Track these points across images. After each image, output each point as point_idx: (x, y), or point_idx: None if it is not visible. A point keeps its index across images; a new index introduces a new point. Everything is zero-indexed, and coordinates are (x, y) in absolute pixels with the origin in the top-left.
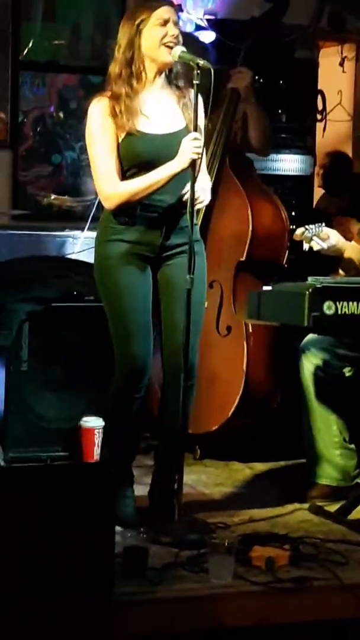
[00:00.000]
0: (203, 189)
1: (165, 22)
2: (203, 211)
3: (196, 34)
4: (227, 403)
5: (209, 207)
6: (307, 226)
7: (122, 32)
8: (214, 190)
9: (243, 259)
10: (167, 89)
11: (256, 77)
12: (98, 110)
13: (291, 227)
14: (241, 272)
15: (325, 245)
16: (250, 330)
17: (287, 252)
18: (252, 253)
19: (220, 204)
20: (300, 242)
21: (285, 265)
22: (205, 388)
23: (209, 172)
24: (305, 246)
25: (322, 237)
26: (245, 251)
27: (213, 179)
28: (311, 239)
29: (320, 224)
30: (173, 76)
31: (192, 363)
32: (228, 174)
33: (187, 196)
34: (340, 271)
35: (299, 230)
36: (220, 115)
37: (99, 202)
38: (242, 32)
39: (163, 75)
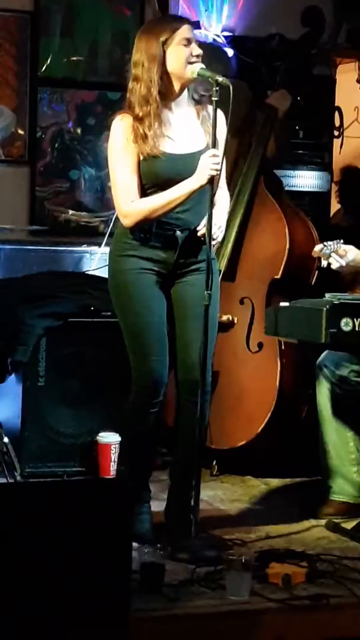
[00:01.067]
0: (219, 225)
1: (189, 42)
2: (236, 229)
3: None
4: (256, 420)
5: (243, 224)
6: (325, 243)
7: (144, 52)
8: (249, 209)
9: (278, 276)
10: (188, 104)
11: (297, 98)
12: (121, 128)
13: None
14: (273, 290)
15: (343, 263)
16: (283, 348)
17: (316, 272)
18: (287, 271)
19: (255, 221)
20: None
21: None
22: (232, 404)
23: (242, 191)
24: (324, 263)
25: (340, 254)
26: (282, 269)
27: (248, 196)
28: (329, 256)
29: (338, 240)
30: (192, 90)
31: (207, 380)
32: (263, 192)
33: (202, 231)
34: (358, 289)
35: (318, 247)
36: (254, 134)
37: (116, 218)
38: (277, 53)
39: (185, 92)
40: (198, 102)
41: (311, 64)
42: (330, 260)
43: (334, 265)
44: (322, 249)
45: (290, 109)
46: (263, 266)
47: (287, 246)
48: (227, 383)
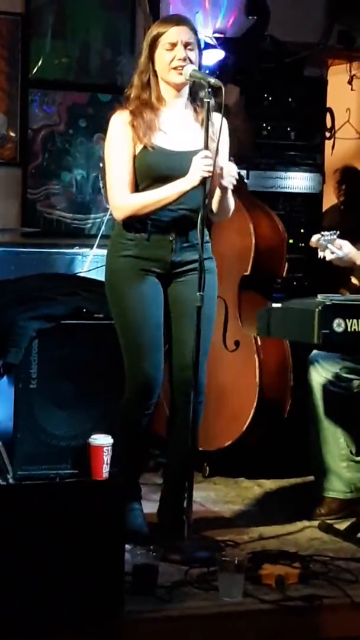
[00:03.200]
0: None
1: (173, 46)
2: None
3: (206, 52)
4: (240, 417)
5: (208, 225)
6: (322, 233)
7: (142, 52)
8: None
9: (247, 273)
10: (189, 107)
11: (264, 95)
12: (118, 121)
13: (300, 244)
14: (244, 287)
15: (340, 254)
16: (260, 343)
17: (286, 264)
18: (256, 267)
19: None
20: (302, 260)
21: (295, 283)
22: (215, 404)
23: None
24: (320, 254)
25: (335, 246)
26: (250, 265)
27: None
28: (326, 247)
29: (334, 232)
30: (196, 92)
31: (201, 380)
32: None
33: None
34: (353, 279)
35: (315, 237)
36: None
37: (108, 220)
38: (232, 49)
39: (185, 93)
40: (202, 103)
41: (300, 65)
42: (326, 252)
43: (329, 257)
44: (319, 239)
45: (280, 110)
46: (232, 264)
47: (253, 241)
48: (208, 384)
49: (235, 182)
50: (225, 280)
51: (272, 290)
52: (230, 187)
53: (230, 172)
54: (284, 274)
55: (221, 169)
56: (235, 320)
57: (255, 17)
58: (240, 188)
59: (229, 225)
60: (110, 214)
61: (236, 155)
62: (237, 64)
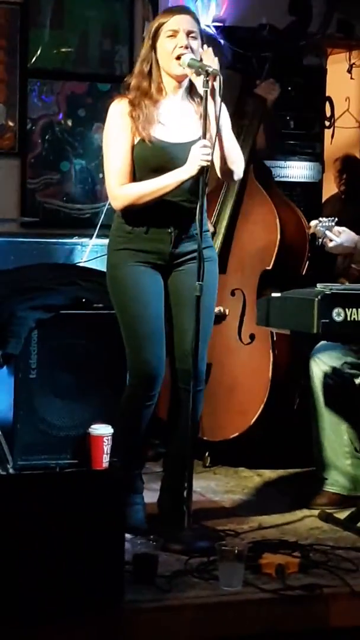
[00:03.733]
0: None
1: (174, 34)
2: (226, 221)
3: None
4: (249, 411)
5: (233, 216)
6: (320, 219)
7: (145, 42)
8: (239, 200)
9: (270, 267)
10: (188, 99)
11: (288, 89)
12: (117, 110)
13: None
14: (264, 281)
15: (338, 241)
16: (275, 339)
17: (307, 262)
18: (278, 262)
19: (245, 212)
20: (310, 245)
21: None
22: (224, 395)
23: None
24: (318, 241)
25: (334, 233)
26: (273, 260)
27: (237, 187)
28: (324, 233)
29: (332, 218)
30: (196, 84)
31: (201, 369)
32: (253, 183)
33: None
34: (354, 266)
35: (313, 222)
36: (245, 123)
37: (107, 210)
38: (266, 43)
39: (185, 84)
40: (202, 98)
41: (300, 54)
42: (325, 240)
43: (328, 245)
44: (317, 225)
45: (279, 99)
46: (254, 257)
47: (278, 237)
48: (220, 375)
49: (204, 164)
50: (246, 273)
51: (292, 286)
52: (202, 164)
53: (194, 155)
54: (304, 272)
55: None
56: (252, 313)
57: (298, 17)
58: (269, 180)
59: (254, 217)
60: (109, 204)
61: (264, 151)
62: (274, 59)
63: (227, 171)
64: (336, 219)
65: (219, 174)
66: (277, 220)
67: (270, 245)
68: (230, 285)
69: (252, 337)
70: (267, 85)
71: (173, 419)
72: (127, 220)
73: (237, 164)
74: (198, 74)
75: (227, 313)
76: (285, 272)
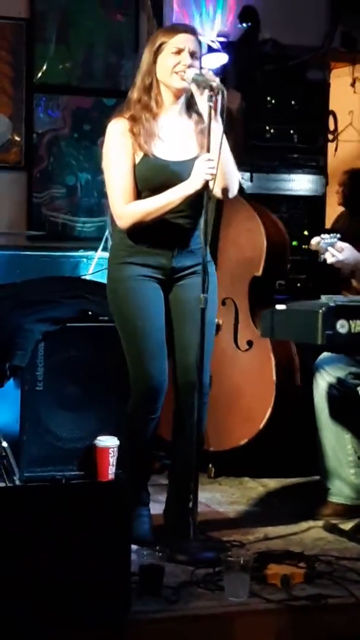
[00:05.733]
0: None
1: (179, 51)
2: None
3: (209, 56)
4: (257, 417)
5: (216, 227)
6: (322, 236)
7: (143, 57)
8: (219, 211)
9: (259, 274)
10: (185, 115)
11: (267, 98)
12: (116, 129)
13: (303, 247)
14: (254, 288)
15: (340, 257)
16: (274, 343)
17: (289, 264)
18: (267, 267)
19: (227, 222)
20: (305, 262)
21: (299, 285)
22: (229, 404)
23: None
24: (320, 257)
25: (336, 249)
26: (262, 266)
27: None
28: (326, 250)
29: (335, 234)
30: (193, 102)
31: (204, 382)
32: None
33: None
34: (354, 283)
35: (315, 240)
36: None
37: (113, 225)
38: (272, 58)
39: (182, 100)
40: (199, 114)
41: (254, 61)
42: (327, 255)
43: (330, 260)
44: (319, 242)
45: (282, 113)
46: (242, 265)
47: (265, 242)
48: (221, 385)
49: (208, 178)
50: (236, 282)
51: (274, 291)
52: (207, 178)
53: (199, 169)
54: (287, 273)
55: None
56: (247, 320)
57: (247, 24)
58: (242, 189)
59: (237, 226)
60: (109, 222)
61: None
62: (233, 69)
63: (225, 188)
64: (339, 235)
65: (218, 191)
66: (262, 226)
67: (258, 252)
68: (221, 295)
69: (249, 343)
70: (229, 95)
71: (178, 431)
72: (129, 235)
73: (234, 181)
74: (202, 89)
75: (221, 323)
76: (273, 274)
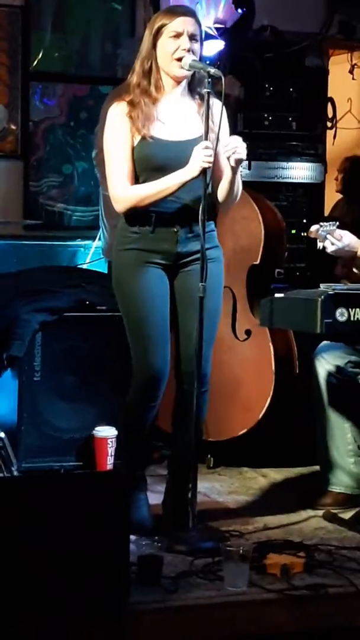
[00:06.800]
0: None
1: (178, 35)
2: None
3: (206, 42)
4: (255, 406)
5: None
6: (321, 223)
7: (144, 42)
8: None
9: (257, 262)
10: (187, 97)
11: (266, 85)
12: (116, 113)
13: (302, 234)
14: (252, 276)
15: (339, 245)
16: (272, 332)
17: (286, 252)
18: (265, 255)
19: (223, 211)
20: (311, 252)
21: (297, 273)
22: (227, 394)
23: None
24: (319, 245)
25: (335, 237)
26: (260, 254)
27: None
28: (325, 237)
29: (334, 222)
30: (195, 83)
31: (205, 372)
32: None
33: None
34: (355, 270)
35: (314, 227)
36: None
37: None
38: (270, 45)
39: (184, 84)
40: (201, 96)
41: (301, 55)
42: (326, 242)
43: (329, 249)
44: (318, 230)
45: (281, 100)
46: (239, 254)
47: (263, 230)
48: (219, 375)
49: (244, 153)
50: (233, 270)
51: (273, 280)
52: (243, 156)
53: (237, 145)
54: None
55: (227, 146)
56: (245, 309)
57: (243, 9)
58: None
59: (235, 214)
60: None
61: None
62: (228, 55)
63: (228, 203)
64: (337, 223)
65: (221, 198)
66: (259, 214)
67: (256, 240)
68: None
69: (247, 332)
70: (229, 82)
71: (177, 421)
72: (133, 220)
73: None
74: (200, 80)
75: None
76: (271, 262)
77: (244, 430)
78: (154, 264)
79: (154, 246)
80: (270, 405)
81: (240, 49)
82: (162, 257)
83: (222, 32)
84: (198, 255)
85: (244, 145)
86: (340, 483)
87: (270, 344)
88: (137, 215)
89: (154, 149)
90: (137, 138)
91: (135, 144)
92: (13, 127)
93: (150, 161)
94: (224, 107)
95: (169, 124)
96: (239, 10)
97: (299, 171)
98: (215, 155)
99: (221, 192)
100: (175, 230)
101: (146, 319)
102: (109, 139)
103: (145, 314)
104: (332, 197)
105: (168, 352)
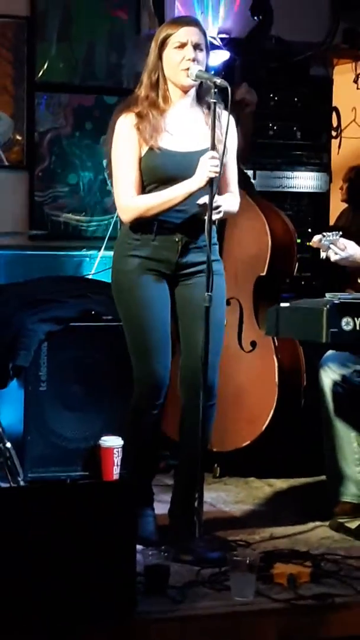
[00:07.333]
0: (225, 199)
1: (182, 45)
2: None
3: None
4: (259, 419)
5: (221, 226)
6: (324, 233)
7: (150, 53)
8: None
9: (264, 273)
10: (196, 107)
11: (270, 95)
12: (124, 124)
13: (307, 244)
14: (259, 288)
15: (343, 255)
16: (277, 344)
17: (296, 264)
18: (272, 267)
19: (232, 222)
20: (315, 258)
21: (302, 282)
22: (231, 405)
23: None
24: (322, 254)
25: (339, 247)
26: (266, 266)
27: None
28: (328, 247)
29: (337, 232)
30: (203, 93)
31: (212, 383)
32: None
33: (203, 199)
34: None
35: (316, 237)
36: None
37: (116, 222)
38: (276, 54)
39: (192, 93)
40: (209, 106)
41: (306, 64)
42: (329, 252)
43: (333, 258)
44: (320, 240)
45: (285, 110)
46: (247, 265)
47: (270, 242)
48: (224, 385)
49: (212, 176)
50: (240, 282)
51: (281, 290)
52: (210, 176)
53: (203, 166)
54: (294, 273)
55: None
56: (251, 321)
57: (260, 18)
58: (251, 186)
59: (243, 226)
60: (117, 216)
61: (242, 157)
62: (242, 64)
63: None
64: (340, 233)
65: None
66: (266, 225)
67: (263, 251)
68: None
69: (253, 344)
70: (246, 90)
71: (184, 431)
72: (135, 227)
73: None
74: (207, 89)
75: (225, 323)
76: (278, 274)
77: (247, 442)
78: (155, 272)
79: (155, 254)
80: (274, 417)
81: (254, 57)
82: (162, 265)
83: (227, 42)
84: (199, 268)
85: (212, 163)
86: (348, 493)
87: (274, 356)
88: (140, 223)
89: (161, 160)
90: (145, 149)
91: (142, 154)
92: (19, 137)
93: (157, 172)
94: (231, 116)
95: (176, 135)
96: (255, 19)
97: (303, 180)
98: (223, 167)
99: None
100: (177, 239)
101: (146, 326)
102: (117, 150)
103: (146, 321)
104: (337, 206)
105: (169, 359)
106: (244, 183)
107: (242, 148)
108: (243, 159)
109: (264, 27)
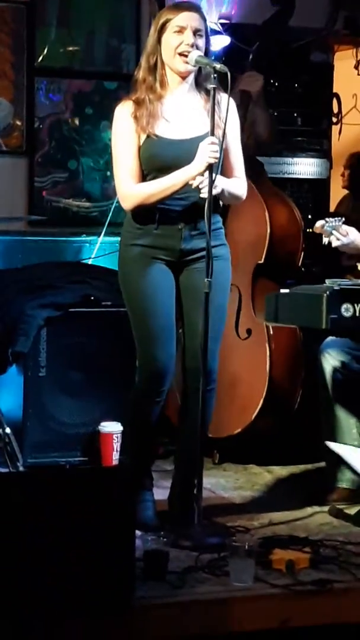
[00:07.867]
0: (228, 181)
1: (182, 30)
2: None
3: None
4: (250, 406)
5: (223, 212)
6: (327, 219)
7: (148, 37)
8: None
9: (262, 261)
10: (194, 93)
11: (271, 81)
12: (122, 112)
13: (307, 230)
14: (258, 276)
15: (345, 240)
16: (272, 333)
17: (302, 254)
18: (271, 255)
19: (234, 208)
20: (315, 247)
21: (302, 269)
22: (226, 392)
23: None
24: (325, 240)
25: (341, 233)
26: (264, 254)
27: None
28: (330, 233)
29: (339, 218)
30: (202, 79)
31: (212, 368)
32: None
33: (203, 194)
34: (359, 266)
35: (319, 223)
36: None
37: (115, 208)
38: (252, 36)
39: (190, 79)
40: (208, 92)
41: (283, 43)
42: (331, 238)
43: (335, 243)
44: (323, 225)
45: (286, 95)
46: (246, 252)
47: (268, 230)
48: (221, 372)
49: (211, 161)
50: (240, 268)
51: (287, 279)
52: (210, 161)
53: (202, 152)
54: (299, 264)
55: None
56: (248, 308)
57: (278, 6)
58: (260, 174)
59: (244, 212)
60: (117, 202)
61: (255, 146)
62: (258, 51)
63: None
64: (343, 219)
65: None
66: (266, 213)
67: (261, 239)
68: None
69: (248, 331)
70: (249, 77)
71: (184, 416)
72: (137, 216)
73: (241, 194)
74: (207, 75)
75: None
76: (280, 264)
77: (239, 430)
78: (159, 260)
79: (158, 243)
80: (266, 406)
81: (273, 45)
82: (166, 253)
83: (227, 27)
84: (203, 253)
85: (212, 149)
86: (346, 479)
87: (267, 344)
88: (141, 211)
89: (159, 148)
90: (143, 137)
91: (141, 142)
92: (18, 123)
93: (155, 160)
94: (231, 100)
95: (174, 122)
96: (273, 6)
97: (304, 167)
98: (225, 152)
99: (221, 196)
100: (180, 227)
101: (151, 314)
102: (115, 139)
103: (151, 308)
104: (337, 192)
105: (174, 347)
106: (256, 169)
107: (265, 138)
108: (268, 148)
109: (284, 15)
